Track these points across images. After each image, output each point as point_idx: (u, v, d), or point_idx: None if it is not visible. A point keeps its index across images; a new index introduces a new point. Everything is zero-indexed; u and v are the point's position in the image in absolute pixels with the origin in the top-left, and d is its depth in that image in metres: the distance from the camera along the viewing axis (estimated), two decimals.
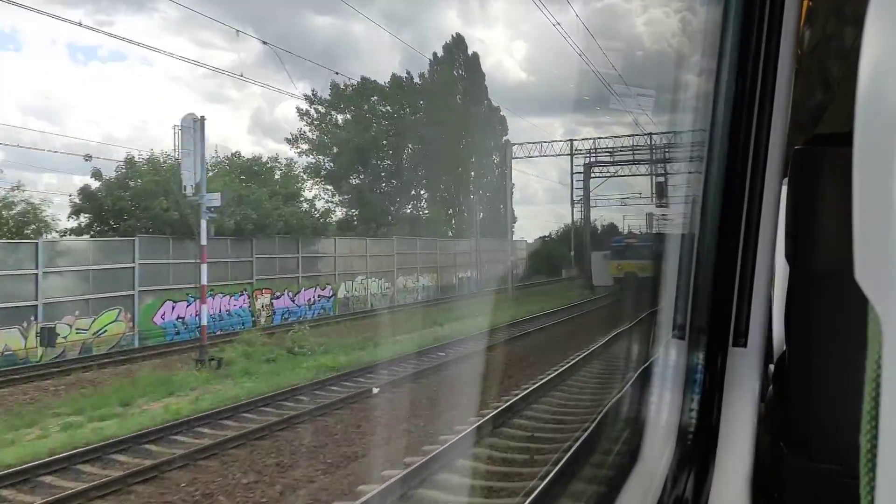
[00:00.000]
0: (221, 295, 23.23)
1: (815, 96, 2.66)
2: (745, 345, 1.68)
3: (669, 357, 1.96)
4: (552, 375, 13.98)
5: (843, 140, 0.66)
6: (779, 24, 1.60)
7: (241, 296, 24.16)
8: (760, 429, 1.69)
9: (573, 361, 15.48)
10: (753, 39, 1.63)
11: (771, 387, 2.10)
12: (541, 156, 40.15)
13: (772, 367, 2.42)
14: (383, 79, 43.35)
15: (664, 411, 1.92)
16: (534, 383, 13.27)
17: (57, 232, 22.24)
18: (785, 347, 1.87)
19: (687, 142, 2.46)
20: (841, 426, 1.55)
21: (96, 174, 22.93)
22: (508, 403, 11.57)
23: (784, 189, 1.71)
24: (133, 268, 20.53)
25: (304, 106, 40.93)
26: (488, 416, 10.75)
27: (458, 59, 46.94)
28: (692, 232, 1.90)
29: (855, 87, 0.54)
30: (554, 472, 7.39)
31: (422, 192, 45.66)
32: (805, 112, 2.67)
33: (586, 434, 8.37)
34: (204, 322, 17.95)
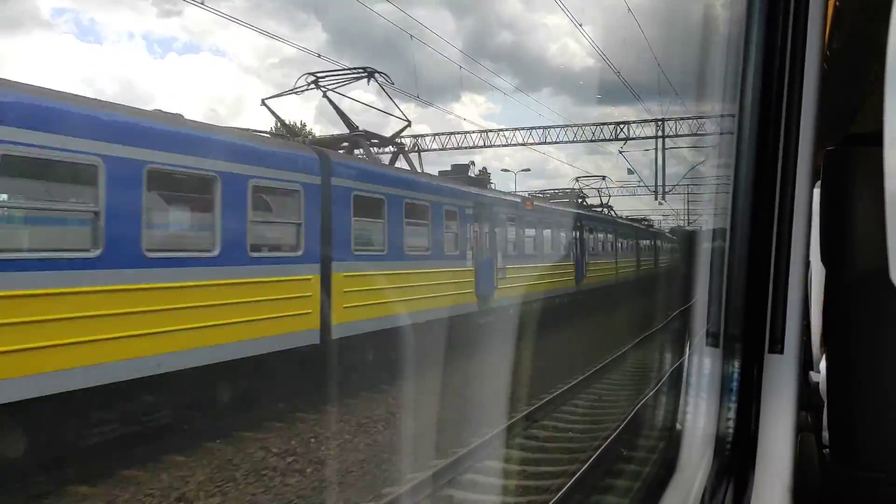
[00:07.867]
0: None
1: (846, 96, 2.61)
2: (781, 351, 1.64)
3: (704, 366, 1.93)
4: None
5: (877, 140, 0.64)
6: (804, 24, 1.58)
7: None
8: (801, 437, 1.64)
9: None
10: (779, 40, 1.61)
11: (810, 394, 2.05)
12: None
13: (811, 373, 2.36)
14: (446, 67, 39.82)
15: (700, 421, 1.88)
16: None
17: None
18: (823, 352, 1.83)
19: (714, 144, 2.43)
20: (885, 432, 1.50)
21: None
22: None
23: (816, 191, 1.68)
24: None
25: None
26: None
27: None
28: (723, 237, 1.87)
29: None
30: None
31: None
32: (837, 112, 2.62)
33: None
34: None
